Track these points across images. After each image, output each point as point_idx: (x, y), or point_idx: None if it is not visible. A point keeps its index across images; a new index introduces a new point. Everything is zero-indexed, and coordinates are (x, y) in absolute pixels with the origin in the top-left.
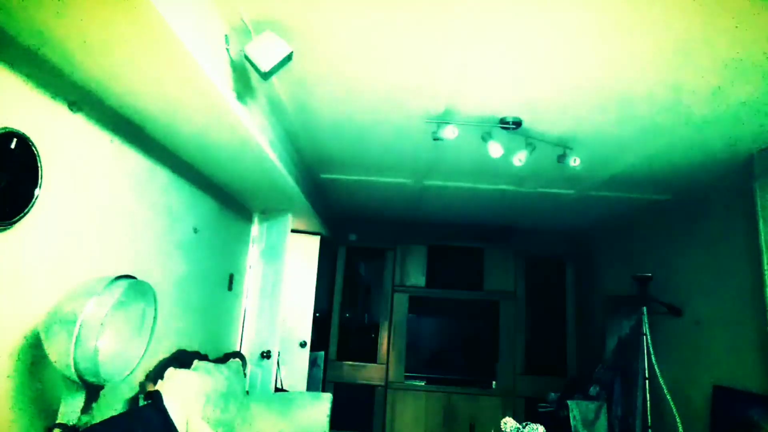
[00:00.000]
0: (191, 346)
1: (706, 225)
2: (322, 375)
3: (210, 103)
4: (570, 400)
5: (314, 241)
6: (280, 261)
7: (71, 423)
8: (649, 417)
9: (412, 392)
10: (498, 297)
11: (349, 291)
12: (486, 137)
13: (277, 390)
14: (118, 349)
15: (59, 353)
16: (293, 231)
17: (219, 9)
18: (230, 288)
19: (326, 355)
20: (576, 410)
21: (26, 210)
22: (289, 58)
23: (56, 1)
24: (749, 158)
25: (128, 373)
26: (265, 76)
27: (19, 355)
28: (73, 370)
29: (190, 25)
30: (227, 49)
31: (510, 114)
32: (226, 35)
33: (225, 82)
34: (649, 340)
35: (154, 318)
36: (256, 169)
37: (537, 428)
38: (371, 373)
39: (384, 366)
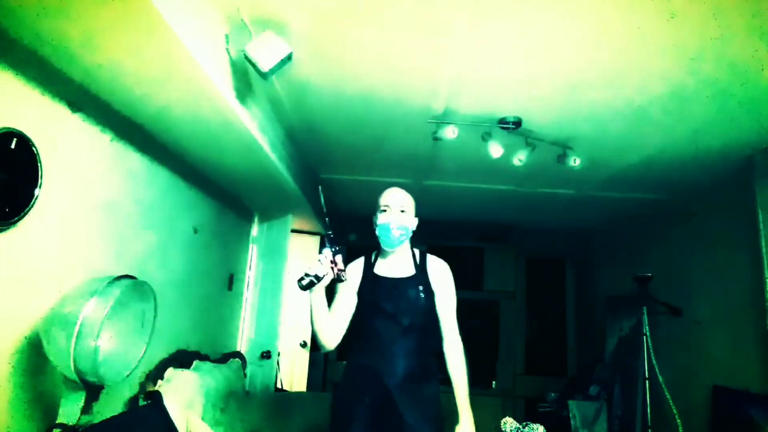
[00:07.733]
0: (191, 346)
1: (706, 225)
2: (322, 375)
3: (210, 103)
4: (570, 400)
5: (314, 241)
6: (280, 261)
7: (71, 423)
8: (649, 417)
9: None
10: (498, 297)
11: None
12: (486, 137)
13: (277, 390)
14: (118, 349)
15: (59, 353)
16: (293, 231)
17: (219, 8)
18: (230, 288)
19: (326, 355)
20: (576, 410)
21: (26, 210)
22: (289, 58)
23: (56, 2)
24: (749, 158)
25: (128, 373)
26: (265, 75)
27: (19, 355)
28: (72, 370)
29: (190, 25)
30: (227, 49)
31: (510, 114)
32: (226, 35)
33: (225, 81)
34: (649, 340)
35: (154, 318)
36: (256, 169)
37: (537, 428)
38: None
39: None
